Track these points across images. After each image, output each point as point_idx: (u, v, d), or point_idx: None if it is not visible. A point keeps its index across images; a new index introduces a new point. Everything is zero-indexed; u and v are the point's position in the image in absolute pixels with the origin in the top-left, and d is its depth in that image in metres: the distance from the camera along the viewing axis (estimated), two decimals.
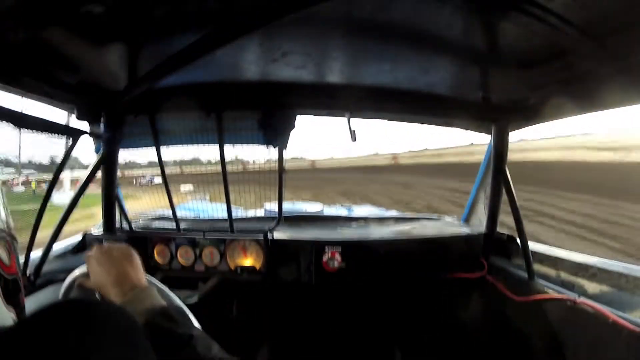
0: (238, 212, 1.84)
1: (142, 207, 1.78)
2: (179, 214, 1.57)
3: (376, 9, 0.69)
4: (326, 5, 0.62)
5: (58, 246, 1.37)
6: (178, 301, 0.73)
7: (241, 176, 1.56)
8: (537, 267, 1.33)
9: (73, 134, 1.17)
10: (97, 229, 1.58)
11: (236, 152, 1.43)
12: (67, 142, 1.17)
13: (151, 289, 0.61)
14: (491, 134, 1.49)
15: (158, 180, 1.57)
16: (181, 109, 1.34)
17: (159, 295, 0.60)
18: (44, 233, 1.19)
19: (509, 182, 1.42)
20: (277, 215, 1.54)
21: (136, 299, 0.56)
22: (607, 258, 1.18)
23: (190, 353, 0.49)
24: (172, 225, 1.57)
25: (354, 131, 1.36)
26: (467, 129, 1.61)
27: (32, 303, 0.61)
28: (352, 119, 1.37)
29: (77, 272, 0.78)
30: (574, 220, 8.40)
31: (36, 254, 1.21)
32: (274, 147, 1.39)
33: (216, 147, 1.38)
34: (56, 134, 1.09)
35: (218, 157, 1.41)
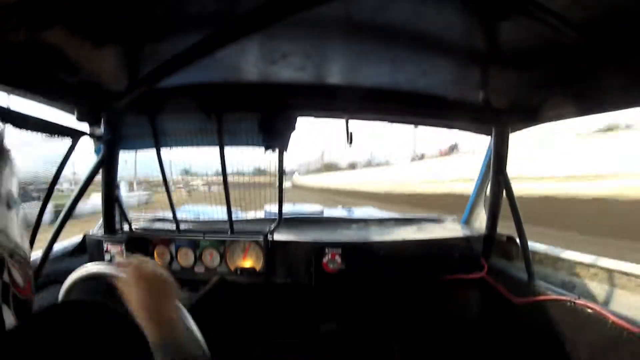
0: (238, 214, 1.83)
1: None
2: (179, 215, 1.57)
3: (376, 10, 0.69)
4: (326, 7, 0.62)
5: (58, 246, 1.37)
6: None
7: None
8: (536, 267, 1.32)
9: (73, 135, 1.17)
10: (97, 230, 1.58)
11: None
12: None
13: (183, 331, 0.58)
14: (491, 136, 1.50)
15: None
16: (181, 110, 1.34)
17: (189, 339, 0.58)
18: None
19: (509, 183, 1.42)
20: (277, 217, 1.54)
21: (173, 343, 0.53)
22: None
23: None
24: (172, 226, 1.57)
25: (351, 133, 1.36)
26: (467, 131, 1.61)
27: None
28: (350, 122, 1.37)
29: (77, 274, 0.78)
30: None
31: (36, 254, 1.21)
32: (274, 149, 1.39)
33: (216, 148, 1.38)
34: (56, 135, 1.09)
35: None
